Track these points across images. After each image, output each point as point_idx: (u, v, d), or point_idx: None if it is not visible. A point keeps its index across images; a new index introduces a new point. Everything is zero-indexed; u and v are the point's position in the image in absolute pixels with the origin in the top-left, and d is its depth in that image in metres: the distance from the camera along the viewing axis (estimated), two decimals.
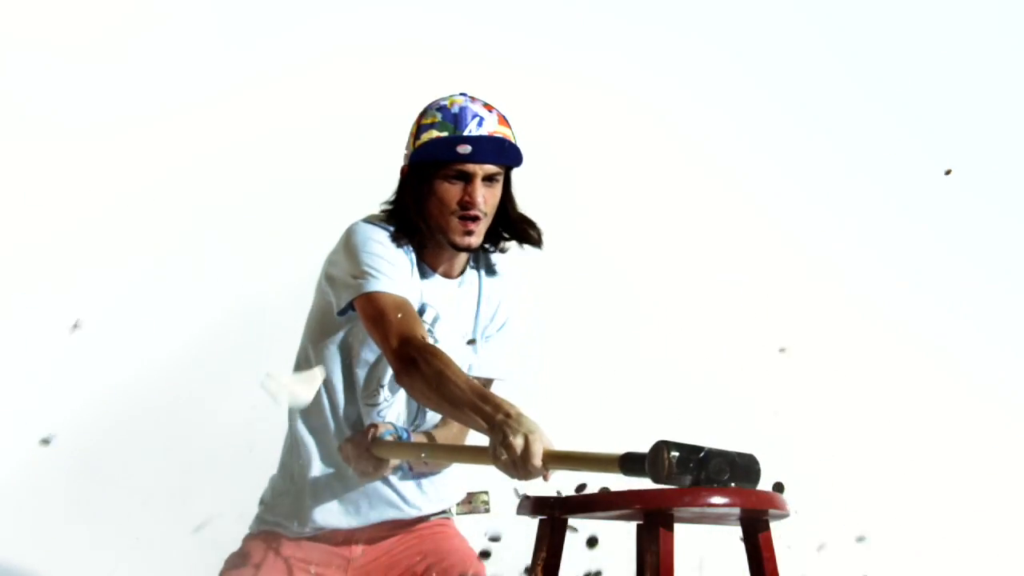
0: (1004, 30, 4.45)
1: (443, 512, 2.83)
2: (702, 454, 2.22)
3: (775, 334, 4.20)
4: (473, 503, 2.84)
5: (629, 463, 2.25)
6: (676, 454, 2.21)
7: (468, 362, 2.79)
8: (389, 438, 2.65)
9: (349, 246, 2.67)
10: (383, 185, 2.94)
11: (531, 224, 2.76)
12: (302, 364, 2.79)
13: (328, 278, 2.71)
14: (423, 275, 2.72)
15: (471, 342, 2.79)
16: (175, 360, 3.83)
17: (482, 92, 3.97)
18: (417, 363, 2.50)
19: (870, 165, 4.32)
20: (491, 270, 2.82)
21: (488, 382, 2.84)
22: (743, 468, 2.25)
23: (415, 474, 2.78)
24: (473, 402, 2.41)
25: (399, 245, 2.68)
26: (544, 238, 2.77)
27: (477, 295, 2.80)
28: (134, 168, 3.85)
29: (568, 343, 4.01)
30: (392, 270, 2.62)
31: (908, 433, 4.21)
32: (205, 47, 3.92)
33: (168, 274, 3.84)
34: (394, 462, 2.67)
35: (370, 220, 2.72)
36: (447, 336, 2.74)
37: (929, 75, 4.37)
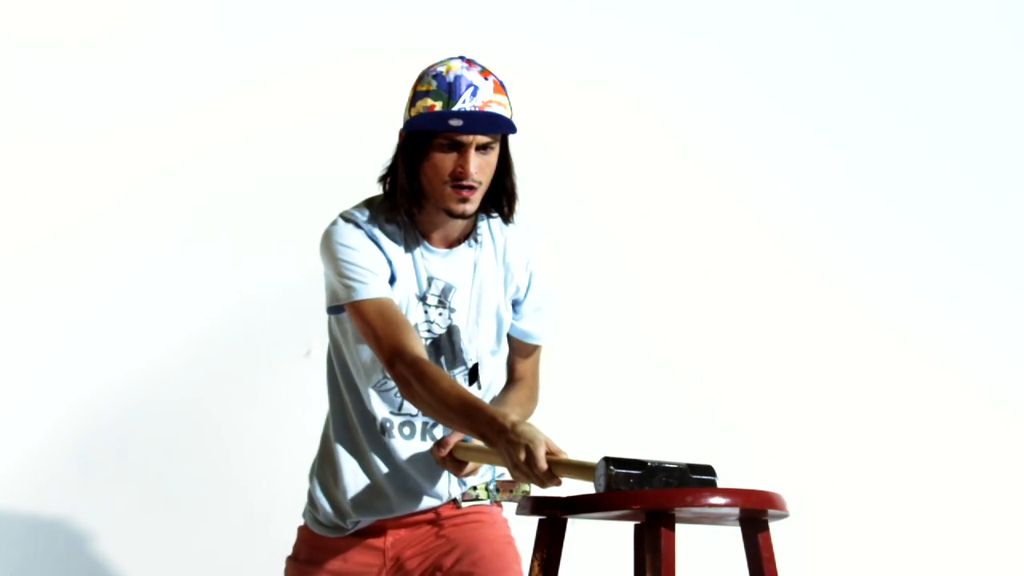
0: (1004, 30, 4.45)
1: (477, 499, 2.80)
2: (642, 470, 2.25)
3: (774, 333, 4.20)
4: (514, 491, 2.82)
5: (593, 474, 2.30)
6: (616, 470, 2.24)
7: (495, 331, 2.78)
8: (474, 442, 2.64)
9: (327, 252, 2.68)
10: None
11: (510, 198, 2.73)
12: (330, 337, 2.80)
13: (325, 273, 2.73)
14: (415, 245, 2.72)
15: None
16: (174, 358, 3.83)
17: None
18: (410, 383, 2.53)
19: (870, 165, 4.32)
20: (501, 232, 2.79)
21: (535, 348, 2.86)
22: (695, 481, 2.27)
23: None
24: (467, 422, 2.45)
25: (374, 226, 2.67)
26: (516, 216, 2.76)
27: (495, 258, 2.77)
28: (134, 167, 3.85)
29: (568, 341, 4.00)
30: (367, 275, 2.64)
31: (907, 433, 4.21)
32: (204, 46, 3.92)
33: (167, 272, 3.84)
34: (473, 465, 2.67)
35: (345, 216, 2.71)
36: (463, 305, 2.74)
37: (929, 75, 4.37)
